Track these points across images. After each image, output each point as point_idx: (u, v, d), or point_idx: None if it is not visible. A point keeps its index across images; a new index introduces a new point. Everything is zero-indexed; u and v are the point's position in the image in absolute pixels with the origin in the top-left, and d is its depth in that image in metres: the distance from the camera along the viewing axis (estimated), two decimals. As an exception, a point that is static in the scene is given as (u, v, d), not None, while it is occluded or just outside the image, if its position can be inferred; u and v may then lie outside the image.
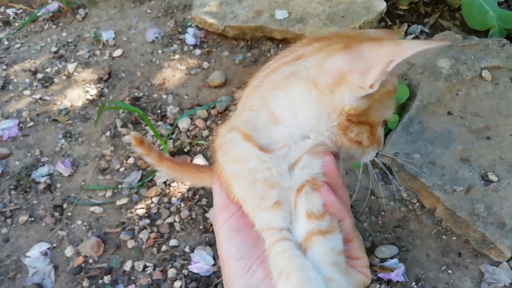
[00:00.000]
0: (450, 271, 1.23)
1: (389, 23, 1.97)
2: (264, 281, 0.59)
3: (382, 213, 1.37)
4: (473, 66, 1.58)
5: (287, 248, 0.59)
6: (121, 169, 1.58)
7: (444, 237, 1.29)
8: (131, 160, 1.59)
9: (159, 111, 1.73)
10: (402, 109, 1.53)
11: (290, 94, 0.63)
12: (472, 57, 1.62)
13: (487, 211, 1.22)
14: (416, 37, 1.90)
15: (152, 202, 1.48)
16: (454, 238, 1.28)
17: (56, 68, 1.96)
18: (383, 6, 1.86)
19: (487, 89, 1.51)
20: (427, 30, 1.92)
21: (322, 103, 0.61)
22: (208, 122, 1.67)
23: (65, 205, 1.52)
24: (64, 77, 1.92)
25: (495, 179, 1.28)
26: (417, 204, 1.35)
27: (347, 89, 0.58)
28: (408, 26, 1.94)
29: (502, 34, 1.81)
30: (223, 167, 0.67)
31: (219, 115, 1.69)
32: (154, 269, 1.34)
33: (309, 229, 0.60)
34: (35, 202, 1.52)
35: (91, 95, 1.83)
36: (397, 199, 1.38)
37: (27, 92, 1.85)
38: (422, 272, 1.25)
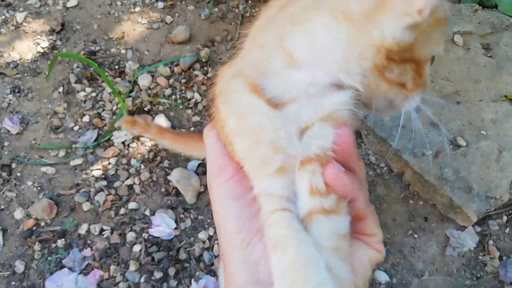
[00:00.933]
0: (416, 236, 1.23)
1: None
2: (265, 258, 0.49)
3: (350, 177, 1.34)
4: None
5: (286, 218, 0.49)
6: (75, 128, 1.46)
7: (411, 202, 1.29)
8: (86, 119, 1.47)
9: (117, 66, 1.60)
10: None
11: (313, 28, 0.49)
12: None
13: (455, 175, 1.21)
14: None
15: (109, 163, 1.38)
16: (421, 203, 1.28)
17: (3, 17, 1.76)
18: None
19: (458, 54, 1.49)
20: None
21: (355, 39, 0.47)
22: (171, 81, 1.56)
23: (13, 165, 1.39)
24: (12, 28, 1.73)
25: (464, 143, 1.27)
26: (385, 168, 1.34)
27: (389, 16, 0.45)
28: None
29: (474, 0, 1.78)
30: (224, 120, 0.55)
31: (183, 73, 1.58)
32: (111, 233, 1.26)
33: (311, 206, 0.50)
34: (-22, 161, 1.38)
35: (42, 48, 1.66)
36: (365, 163, 1.35)
37: (-33, 41, 1.66)
38: (388, 236, 1.24)
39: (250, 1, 1.78)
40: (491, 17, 1.61)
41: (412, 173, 1.25)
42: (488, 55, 1.50)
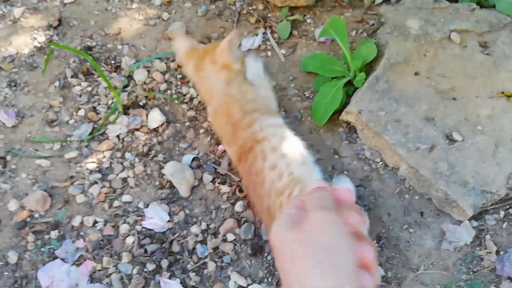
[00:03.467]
0: (411, 230, 1.22)
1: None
2: None
3: (345, 172, 1.34)
4: (442, 28, 1.55)
5: None
6: (71, 121, 1.45)
7: (406, 196, 1.28)
8: (81, 112, 1.47)
9: (113, 61, 1.60)
10: (369, 68, 1.49)
11: None
12: (442, 19, 1.58)
13: (450, 170, 1.20)
14: (387, 0, 1.84)
15: (104, 157, 1.38)
16: (416, 197, 1.27)
17: (1, 12, 1.76)
18: (356, -37, 1.78)
19: (455, 51, 1.49)
20: (399, -7, 1.87)
21: None
22: (167, 76, 1.56)
23: (8, 157, 1.38)
24: (9, 22, 1.73)
25: (460, 138, 1.27)
26: (380, 163, 1.33)
27: None
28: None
29: (472, -1, 1.78)
30: None
31: (179, 68, 1.58)
32: (105, 225, 1.26)
33: None
34: (-28, 153, 1.38)
35: (39, 43, 1.66)
36: (360, 158, 1.35)
37: (-36, 36, 1.66)
38: (383, 231, 1.23)
39: (247, -1, 1.78)
40: (488, 16, 1.61)
41: (407, 167, 1.24)
42: (485, 52, 1.50)
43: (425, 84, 1.41)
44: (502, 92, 1.38)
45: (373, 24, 1.73)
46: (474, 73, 1.43)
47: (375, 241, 1.21)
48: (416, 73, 1.44)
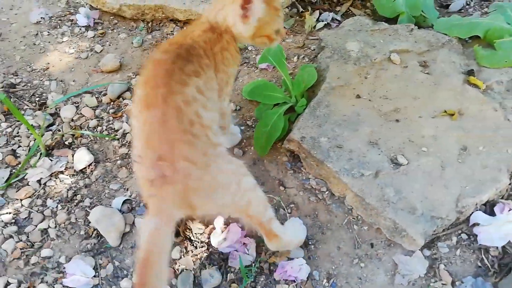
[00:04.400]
0: (362, 264, 1.13)
1: (301, 9, 1.89)
2: None
3: (292, 205, 1.24)
4: (382, 49, 1.53)
5: None
6: (-15, 168, 1.30)
7: (355, 227, 1.19)
8: (-2, 157, 1.32)
9: (38, 99, 1.47)
10: (311, 93, 1.43)
11: None
12: (381, 41, 1.57)
13: (397, 195, 1.14)
14: (328, 24, 1.83)
15: (21, 206, 1.22)
16: (366, 228, 1.19)
17: None
18: (290, -8, 1.77)
19: (396, 72, 1.46)
20: (339, 18, 1.86)
21: None
22: (98, 111, 1.44)
23: None
24: None
25: (405, 161, 1.21)
26: (327, 192, 1.24)
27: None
28: (320, 13, 1.87)
29: (410, 20, 1.79)
30: None
31: (112, 102, 1.47)
32: (18, 286, 1.09)
33: None
34: None
35: (-45, 83, 1.52)
36: (306, 188, 1.26)
37: None
38: (333, 267, 1.13)
39: (184, 27, 1.71)
40: (427, 36, 1.61)
41: (353, 195, 1.16)
42: (425, 72, 1.48)
43: (367, 106, 1.36)
44: (445, 111, 1.35)
45: (314, 49, 1.69)
46: (415, 93, 1.40)
47: (324, 281, 1.10)
48: (358, 96, 1.39)
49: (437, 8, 2.05)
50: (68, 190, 1.25)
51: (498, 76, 1.48)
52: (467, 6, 2.10)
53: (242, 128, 1.42)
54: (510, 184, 1.23)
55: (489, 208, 1.18)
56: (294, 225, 1.16)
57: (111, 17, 1.74)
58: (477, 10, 2.07)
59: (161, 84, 0.92)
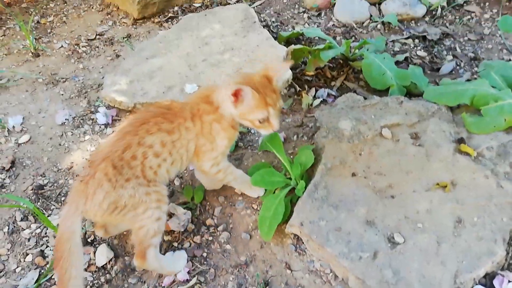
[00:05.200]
0: None
1: (298, 88, 2.04)
2: None
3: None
4: (373, 125, 1.64)
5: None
6: (18, 269, 1.43)
7: (361, 306, 1.24)
8: (29, 258, 1.45)
9: (63, 198, 1.63)
10: (311, 172, 1.53)
11: None
12: (373, 116, 1.68)
13: (396, 276, 1.19)
14: (324, 100, 1.97)
15: (51, 306, 1.33)
16: (371, 306, 1.23)
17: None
18: (289, 74, 1.93)
19: (388, 147, 1.56)
20: (334, 93, 2.00)
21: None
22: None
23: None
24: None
25: (401, 240, 1.27)
26: (331, 274, 1.31)
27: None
28: (316, 90, 2.02)
29: (401, 91, 1.91)
30: None
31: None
32: None
33: None
34: None
35: (-10, 186, 1.70)
36: (312, 270, 1.33)
37: None
38: None
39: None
40: (416, 106, 1.72)
41: (354, 278, 1.22)
42: (417, 144, 1.57)
43: (363, 184, 1.44)
44: (437, 184, 1.42)
45: (312, 127, 1.82)
46: (408, 167, 1.48)
47: None
48: (353, 174, 1.48)
49: (428, 71, 2.18)
50: (91, 287, 1.36)
51: (488, 142, 1.55)
52: (457, 67, 2.21)
53: (248, 211, 1.52)
54: (508, 253, 1.27)
55: (489, 280, 1.21)
56: (175, 257, 1.37)
57: (127, 114, 1.93)
58: (468, 70, 2.18)
59: (134, 125, 1.25)
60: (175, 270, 1.34)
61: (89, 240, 1.48)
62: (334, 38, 2.44)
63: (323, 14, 2.66)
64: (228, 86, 1.25)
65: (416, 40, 2.41)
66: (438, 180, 1.43)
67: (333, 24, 2.57)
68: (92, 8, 2.84)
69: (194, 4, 2.81)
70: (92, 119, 1.95)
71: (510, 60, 2.19)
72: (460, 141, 1.57)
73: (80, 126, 1.93)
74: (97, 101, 2.04)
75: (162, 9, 2.76)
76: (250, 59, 2.04)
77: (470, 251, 1.22)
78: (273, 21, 2.61)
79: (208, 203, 1.56)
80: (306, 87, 2.06)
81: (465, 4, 2.64)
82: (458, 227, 1.29)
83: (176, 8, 2.79)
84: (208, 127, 1.31)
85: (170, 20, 2.69)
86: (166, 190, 1.30)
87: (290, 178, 1.51)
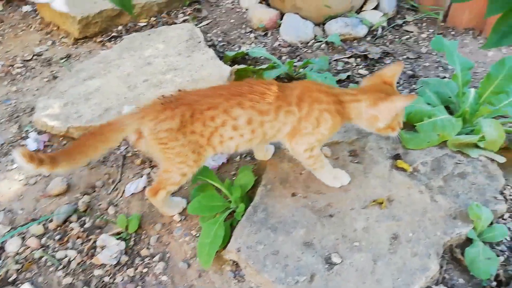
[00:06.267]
0: None
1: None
2: None
3: (238, 315, 1.25)
4: (314, 144, 1.63)
5: None
6: None
7: (301, 332, 1.20)
8: None
9: (-15, 232, 1.49)
10: (250, 196, 1.50)
11: None
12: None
13: (333, 298, 1.17)
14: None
15: None
16: (311, 331, 1.20)
17: None
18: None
19: (328, 165, 1.56)
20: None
21: None
22: (44, 239, 1.46)
23: None
24: None
25: (339, 260, 1.25)
26: (270, 299, 1.26)
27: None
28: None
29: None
30: None
31: (58, 228, 1.50)
32: None
33: None
34: None
35: None
36: (251, 297, 1.28)
37: None
38: None
39: (131, 141, 1.81)
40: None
41: (292, 303, 1.19)
42: (355, 161, 1.58)
43: (302, 204, 1.43)
44: (374, 200, 1.43)
45: (255, 147, 1.80)
46: (347, 185, 1.48)
47: None
48: (293, 194, 1.47)
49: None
50: (10, 330, 1.24)
51: (423, 157, 1.59)
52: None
53: (187, 238, 1.46)
54: (441, 267, 1.28)
55: (424, 296, 1.22)
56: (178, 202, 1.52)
57: (61, 139, 1.83)
58: (406, 87, 2.26)
59: (230, 92, 1.29)
60: (171, 214, 1.50)
61: (9, 280, 1.35)
62: (280, 57, 2.46)
63: (269, 34, 2.69)
64: (393, 102, 1.27)
65: (358, 59, 2.47)
66: (375, 196, 1.44)
67: (279, 44, 2.60)
68: (31, 27, 2.73)
69: (139, 24, 2.76)
70: (22, 146, 1.83)
71: (445, 77, 2.29)
72: (397, 157, 1.60)
73: (8, 153, 1.80)
74: (28, 126, 1.93)
75: (105, 28, 2.69)
76: (194, 79, 2.01)
77: (405, 268, 1.23)
78: (220, 41, 2.61)
79: (144, 231, 1.48)
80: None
81: (404, 24, 2.76)
82: (394, 244, 1.30)
83: (120, 27, 2.73)
84: (316, 114, 1.30)
85: (113, 39, 2.62)
86: (205, 161, 1.36)
87: (231, 201, 1.47)
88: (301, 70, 2.23)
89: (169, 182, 1.35)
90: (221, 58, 2.28)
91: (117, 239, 1.42)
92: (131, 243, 1.44)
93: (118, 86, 1.98)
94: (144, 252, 1.42)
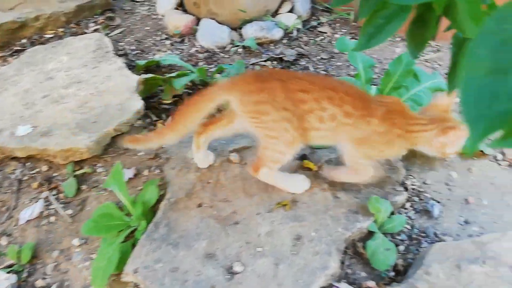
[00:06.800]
0: None
1: (154, 118, 1.96)
2: None
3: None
4: (222, 151, 1.62)
5: None
6: None
7: None
8: None
9: None
10: (155, 213, 1.44)
11: None
12: (224, 141, 1.66)
13: (234, 310, 1.14)
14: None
15: None
16: None
17: None
18: (139, 105, 1.84)
19: (235, 172, 1.54)
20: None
21: None
22: None
23: None
24: None
25: (241, 269, 1.23)
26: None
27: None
28: (171, 119, 1.95)
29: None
30: None
31: None
32: None
33: None
34: None
35: None
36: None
37: None
38: None
39: (28, 163, 1.68)
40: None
41: (192, 320, 1.15)
42: (263, 165, 1.58)
43: (208, 214, 1.40)
44: (278, 203, 1.43)
45: (166, 159, 1.74)
46: (252, 190, 1.47)
47: None
48: (199, 205, 1.43)
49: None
50: None
51: (328, 155, 1.62)
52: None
53: (87, 263, 1.37)
54: (343, 262, 1.31)
55: (327, 295, 1.23)
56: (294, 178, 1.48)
57: None
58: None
59: (326, 82, 1.30)
60: (292, 189, 1.45)
61: None
62: (197, 63, 2.43)
63: (186, 40, 2.64)
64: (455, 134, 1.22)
65: (275, 62, 2.50)
66: (281, 199, 1.44)
67: (196, 50, 2.56)
68: None
69: (45, 35, 2.60)
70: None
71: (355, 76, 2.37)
72: (303, 157, 1.61)
73: None
74: None
75: (7, 42, 2.50)
76: (99, 91, 1.91)
77: (306, 268, 1.23)
78: (133, 49, 2.52)
79: (40, 260, 1.38)
80: (164, 116, 1.99)
81: (318, 25, 2.83)
82: (297, 245, 1.30)
83: (24, 40, 2.55)
84: (389, 136, 1.29)
85: (16, 54, 2.44)
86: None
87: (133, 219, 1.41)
88: (217, 75, 2.21)
89: (268, 158, 1.34)
90: (133, 67, 2.20)
91: (8, 272, 1.30)
92: (24, 274, 1.33)
93: (13, 104, 1.84)
94: (39, 283, 1.32)
